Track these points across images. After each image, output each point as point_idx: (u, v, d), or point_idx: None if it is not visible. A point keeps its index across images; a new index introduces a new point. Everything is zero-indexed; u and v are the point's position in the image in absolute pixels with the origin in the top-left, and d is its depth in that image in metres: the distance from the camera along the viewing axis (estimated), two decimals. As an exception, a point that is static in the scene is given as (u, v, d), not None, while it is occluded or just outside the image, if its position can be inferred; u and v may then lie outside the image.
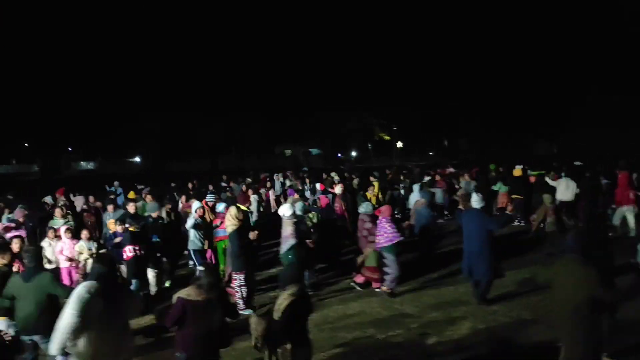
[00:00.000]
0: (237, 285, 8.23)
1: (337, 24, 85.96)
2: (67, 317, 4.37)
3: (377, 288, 9.18)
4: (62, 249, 9.50)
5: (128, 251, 8.87)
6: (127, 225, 9.26)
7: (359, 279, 9.53)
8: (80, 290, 4.52)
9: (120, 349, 4.65)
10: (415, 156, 56.64)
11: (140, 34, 76.97)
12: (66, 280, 9.26)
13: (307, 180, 17.67)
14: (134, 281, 8.87)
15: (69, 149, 72.88)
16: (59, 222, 10.91)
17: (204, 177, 21.09)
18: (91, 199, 15.18)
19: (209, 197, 12.16)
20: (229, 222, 8.55)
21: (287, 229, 8.58)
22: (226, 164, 57.63)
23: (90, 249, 9.41)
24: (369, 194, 14.29)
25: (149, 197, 12.90)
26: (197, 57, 76.20)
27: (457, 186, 16.89)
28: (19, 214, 11.64)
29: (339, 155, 68.05)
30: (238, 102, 65.27)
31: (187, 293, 4.77)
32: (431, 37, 68.74)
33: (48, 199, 15.28)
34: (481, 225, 8.03)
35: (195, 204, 10.61)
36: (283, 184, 19.10)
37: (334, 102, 67.56)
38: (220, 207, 10.82)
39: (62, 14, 77.16)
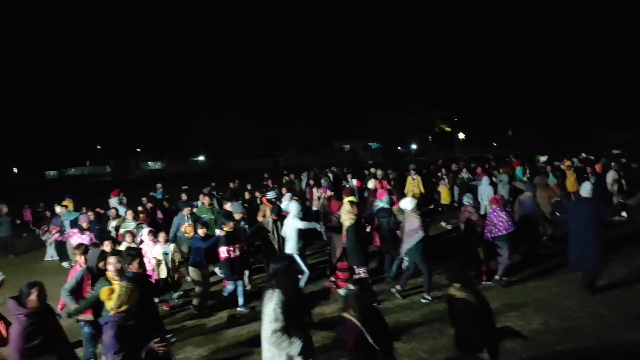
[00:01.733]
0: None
1: (395, 17, 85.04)
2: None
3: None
4: (145, 252, 8.93)
5: (223, 252, 8.38)
6: (222, 227, 8.70)
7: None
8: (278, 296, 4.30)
9: None
10: (478, 148, 55.01)
11: (205, 39, 79.23)
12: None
13: (349, 176, 17.10)
14: (230, 282, 8.66)
15: (138, 150, 76.19)
16: (131, 224, 10.61)
17: (268, 174, 20.96)
18: (144, 200, 15.20)
19: (270, 194, 11.98)
20: (346, 217, 8.45)
21: (414, 222, 8.29)
22: (287, 161, 58.30)
23: (166, 253, 8.86)
24: (409, 188, 14.16)
25: (206, 199, 12.37)
26: (258, 57, 77.63)
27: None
28: (83, 220, 11.15)
29: (399, 148, 67.27)
30: (297, 99, 66.11)
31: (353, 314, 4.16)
32: (496, 26, 66.84)
33: (113, 202, 15.03)
34: (593, 214, 7.75)
35: (295, 206, 9.23)
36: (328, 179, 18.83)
37: (394, 95, 67.13)
38: (284, 204, 10.51)
39: (133, 22, 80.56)
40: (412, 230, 8.25)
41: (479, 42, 70.06)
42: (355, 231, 8.25)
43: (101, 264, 6.42)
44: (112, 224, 11.28)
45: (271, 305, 4.22)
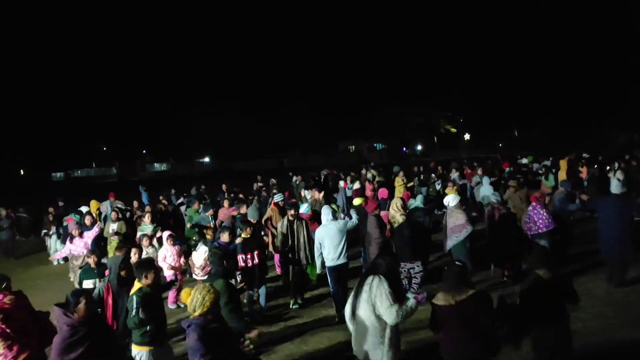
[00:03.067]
0: (416, 272, 7.98)
1: (400, 18, 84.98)
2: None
3: None
4: (165, 257, 8.74)
5: (240, 261, 7.82)
6: (238, 231, 8.32)
7: None
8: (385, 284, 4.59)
9: None
10: (484, 148, 54.91)
11: (209, 41, 79.41)
12: (171, 291, 8.76)
13: (349, 178, 16.80)
14: (250, 292, 8.08)
15: (144, 151, 76.48)
16: (148, 227, 10.29)
17: (272, 175, 20.97)
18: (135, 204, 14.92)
19: (278, 197, 11.21)
20: (396, 213, 8.31)
21: (460, 218, 8.30)
22: (291, 162, 58.37)
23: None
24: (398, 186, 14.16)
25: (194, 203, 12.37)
26: (263, 59, 77.77)
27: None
28: (72, 228, 10.58)
29: (404, 149, 67.21)
30: (302, 99, 66.19)
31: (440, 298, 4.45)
32: (501, 25, 66.71)
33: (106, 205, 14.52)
34: (622, 210, 7.88)
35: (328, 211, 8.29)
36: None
37: (399, 96, 67.14)
38: (303, 208, 10.02)
39: (136, 24, 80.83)
40: (458, 226, 8.24)
41: (484, 42, 70.03)
42: (408, 227, 8.13)
43: (124, 272, 6.08)
44: (113, 226, 10.89)
45: (383, 290, 4.53)
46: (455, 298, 4.32)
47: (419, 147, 69.30)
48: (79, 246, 10.03)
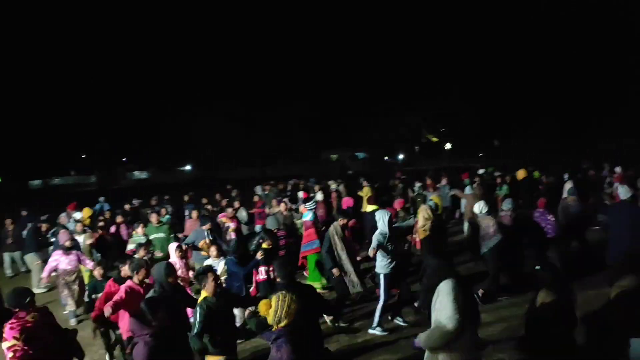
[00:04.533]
0: None
1: (382, 26, 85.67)
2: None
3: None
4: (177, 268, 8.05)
5: (262, 273, 7.48)
6: (260, 241, 7.97)
7: None
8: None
9: None
10: (465, 158, 55.42)
11: (190, 49, 79.11)
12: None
13: (316, 188, 16.53)
14: None
15: (124, 159, 75.67)
16: (140, 238, 9.96)
17: (252, 184, 20.67)
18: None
19: (310, 205, 10.92)
20: (425, 222, 8.35)
21: (490, 225, 8.35)
22: (274, 171, 58.22)
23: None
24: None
25: (154, 217, 11.29)
26: (245, 67, 77.63)
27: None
28: (64, 238, 9.73)
29: (386, 158, 67.56)
30: (285, 109, 66.06)
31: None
32: (482, 34, 67.63)
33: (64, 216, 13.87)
34: (631, 217, 7.85)
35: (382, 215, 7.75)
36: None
37: (380, 104, 67.48)
38: (308, 216, 9.76)
39: (114, 32, 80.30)
40: (489, 234, 8.37)
41: (462, 52, 70.72)
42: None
43: (171, 279, 5.59)
44: (80, 239, 10.54)
45: (451, 297, 4.17)
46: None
47: (401, 156, 69.71)
48: (72, 260, 9.29)
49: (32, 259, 12.01)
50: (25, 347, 4.59)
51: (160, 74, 76.20)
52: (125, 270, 6.73)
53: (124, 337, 6.00)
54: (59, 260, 9.26)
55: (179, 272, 7.89)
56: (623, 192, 8.47)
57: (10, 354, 4.58)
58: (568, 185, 11.73)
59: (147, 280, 5.86)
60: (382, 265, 7.39)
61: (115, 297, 5.60)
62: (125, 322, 5.86)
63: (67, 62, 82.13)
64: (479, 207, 8.82)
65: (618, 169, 16.16)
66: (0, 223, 13.41)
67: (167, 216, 14.08)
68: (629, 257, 5.60)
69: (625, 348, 4.43)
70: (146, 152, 71.21)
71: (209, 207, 15.35)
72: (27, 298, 4.87)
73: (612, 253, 7.97)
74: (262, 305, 4.30)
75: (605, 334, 4.61)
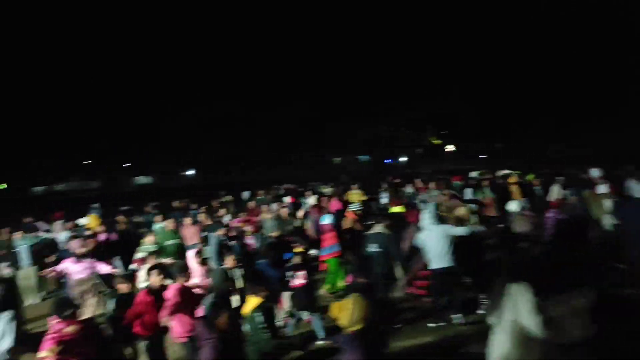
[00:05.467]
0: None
1: (383, 27, 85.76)
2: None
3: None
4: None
5: (299, 278, 7.22)
6: (296, 244, 7.84)
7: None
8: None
9: None
10: (468, 160, 55.37)
11: (191, 53, 79.32)
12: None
13: (307, 193, 16.36)
14: (304, 313, 7.45)
15: (127, 164, 75.85)
16: (149, 247, 9.66)
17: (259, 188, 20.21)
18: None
19: (355, 206, 10.85)
20: (465, 222, 8.33)
21: (524, 225, 8.22)
22: (276, 174, 58.20)
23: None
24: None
25: (171, 222, 11.36)
26: (248, 71, 77.78)
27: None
28: (76, 245, 9.68)
29: (389, 161, 67.57)
30: (288, 112, 66.22)
31: None
32: (483, 34, 67.64)
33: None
34: None
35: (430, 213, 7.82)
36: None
37: (381, 105, 67.56)
38: (326, 220, 9.75)
39: (112, 36, 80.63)
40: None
41: (463, 52, 70.77)
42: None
43: (229, 284, 5.63)
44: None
45: (528, 297, 4.04)
46: None
47: (403, 159, 69.71)
48: (85, 268, 8.88)
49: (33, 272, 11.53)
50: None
51: (162, 78, 76.53)
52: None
53: (179, 339, 5.94)
54: (69, 268, 8.93)
55: (199, 279, 7.75)
56: (638, 189, 8.35)
57: None
58: (556, 188, 11.70)
59: (188, 284, 6.05)
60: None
61: (170, 302, 5.70)
62: (178, 324, 5.87)
63: (71, 68, 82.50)
64: (512, 207, 8.70)
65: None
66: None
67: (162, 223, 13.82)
68: None
69: None
70: (149, 157, 71.43)
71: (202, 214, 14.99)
72: (69, 310, 4.73)
73: (633, 252, 7.72)
74: (334, 308, 4.22)
75: None
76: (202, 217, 12.62)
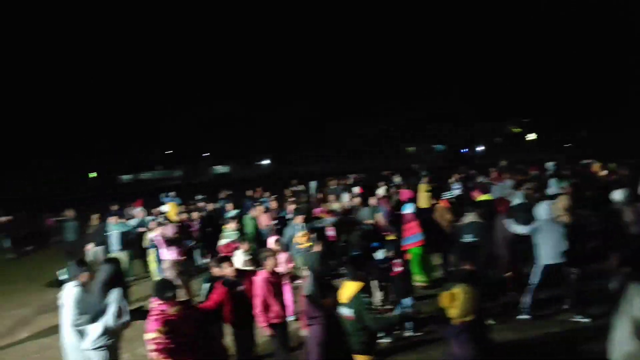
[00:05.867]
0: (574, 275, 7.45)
1: (459, 19, 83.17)
2: None
3: None
4: None
5: (398, 265, 7.10)
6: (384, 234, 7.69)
7: None
8: None
9: None
10: (550, 149, 52.59)
11: (268, 45, 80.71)
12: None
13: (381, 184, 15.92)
14: (404, 300, 7.25)
15: (206, 154, 78.69)
16: (232, 233, 9.79)
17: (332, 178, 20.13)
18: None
19: (449, 195, 10.73)
20: (563, 212, 8.17)
21: (628, 215, 7.86)
22: (352, 164, 58.10)
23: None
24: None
25: (260, 211, 11.64)
26: (325, 61, 78.13)
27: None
28: (170, 231, 10.03)
29: (465, 150, 65.48)
30: (363, 102, 65.96)
31: None
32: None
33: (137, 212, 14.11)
34: None
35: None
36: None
37: (462, 96, 65.70)
38: (409, 209, 9.58)
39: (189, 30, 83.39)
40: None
41: (544, 41, 67.16)
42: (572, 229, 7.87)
43: (322, 267, 5.74)
44: (151, 235, 10.93)
45: None
46: None
47: (480, 148, 67.31)
48: (177, 252, 9.37)
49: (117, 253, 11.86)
50: (167, 340, 4.59)
51: (239, 69, 78.58)
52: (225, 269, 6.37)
53: (266, 324, 5.95)
54: (163, 253, 9.46)
55: (281, 265, 7.69)
56: None
57: (151, 346, 4.63)
58: None
59: (276, 269, 6.16)
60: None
61: (258, 292, 5.86)
62: (266, 311, 5.94)
63: (148, 62, 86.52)
64: (616, 196, 8.31)
65: None
66: (88, 217, 14.04)
67: (235, 211, 14.00)
68: None
69: None
70: (227, 146, 73.70)
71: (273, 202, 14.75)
72: (169, 291, 4.85)
73: None
74: (444, 298, 4.11)
75: None
76: (273, 204, 13.02)
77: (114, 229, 11.97)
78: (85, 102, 69.01)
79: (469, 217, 8.03)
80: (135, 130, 71.30)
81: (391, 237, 7.51)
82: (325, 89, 73.03)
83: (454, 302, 4.02)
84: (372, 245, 7.76)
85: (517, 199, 10.22)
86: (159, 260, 9.95)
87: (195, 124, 73.89)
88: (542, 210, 7.59)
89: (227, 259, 6.48)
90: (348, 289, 4.90)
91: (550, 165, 18.80)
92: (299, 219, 9.61)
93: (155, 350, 4.59)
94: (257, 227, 11.83)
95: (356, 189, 15.42)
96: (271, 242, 8.40)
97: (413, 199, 12.89)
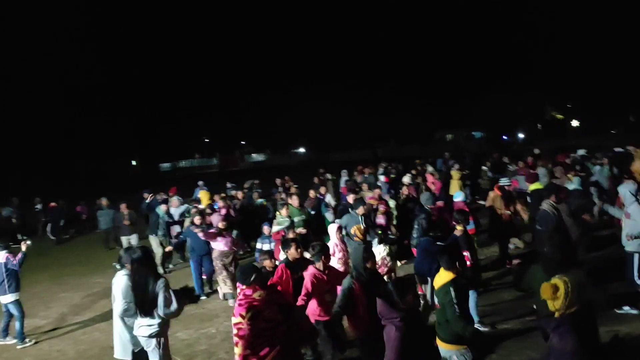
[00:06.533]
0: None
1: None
2: None
3: None
4: (334, 251, 7.51)
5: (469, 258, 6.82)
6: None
7: None
8: None
9: None
10: (595, 136, 50.78)
11: (304, 32, 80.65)
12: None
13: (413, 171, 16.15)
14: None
15: (243, 142, 79.48)
16: (284, 220, 9.64)
17: (367, 166, 19.94)
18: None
19: (504, 181, 10.37)
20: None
21: None
22: (386, 152, 57.60)
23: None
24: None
25: (295, 200, 11.19)
26: (360, 48, 77.57)
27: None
28: (217, 220, 9.99)
29: (505, 137, 63.81)
30: (396, 88, 65.19)
31: None
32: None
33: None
34: None
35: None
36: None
37: (499, 80, 64.08)
38: (459, 197, 9.41)
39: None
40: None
41: (592, 21, 64.60)
42: None
43: (369, 264, 5.34)
44: (188, 224, 10.87)
45: None
46: None
47: (521, 135, 65.49)
48: (228, 241, 9.32)
49: (153, 241, 11.93)
50: (249, 326, 4.56)
51: (276, 57, 78.83)
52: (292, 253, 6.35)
53: (312, 320, 5.69)
54: (212, 242, 9.34)
55: (340, 255, 7.56)
56: None
57: (235, 330, 4.65)
58: None
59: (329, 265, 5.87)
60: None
61: (304, 289, 5.57)
62: (310, 307, 5.72)
63: (200, 52, 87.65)
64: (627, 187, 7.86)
65: None
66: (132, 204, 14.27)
67: (261, 200, 13.99)
68: None
69: None
70: (263, 135, 74.36)
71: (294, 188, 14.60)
72: (251, 276, 4.79)
73: None
74: (545, 289, 3.84)
75: None
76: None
77: (161, 217, 11.93)
78: (128, 92, 70.48)
79: (543, 205, 7.73)
80: (175, 118, 72.68)
81: (459, 227, 7.00)
82: (363, 78, 72.56)
83: (557, 293, 3.75)
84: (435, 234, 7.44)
85: (571, 185, 9.91)
86: (193, 249, 9.93)
87: (232, 112, 74.76)
88: (627, 189, 7.30)
89: (294, 240, 6.41)
90: (441, 278, 4.72)
91: (581, 152, 18.23)
92: (360, 210, 8.95)
93: (237, 335, 4.61)
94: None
95: (382, 178, 15.33)
96: (332, 230, 7.94)
97: (445, 188, 12.76)
